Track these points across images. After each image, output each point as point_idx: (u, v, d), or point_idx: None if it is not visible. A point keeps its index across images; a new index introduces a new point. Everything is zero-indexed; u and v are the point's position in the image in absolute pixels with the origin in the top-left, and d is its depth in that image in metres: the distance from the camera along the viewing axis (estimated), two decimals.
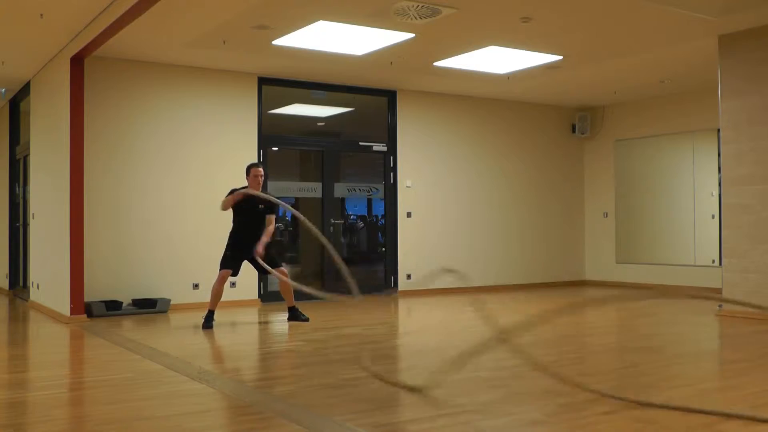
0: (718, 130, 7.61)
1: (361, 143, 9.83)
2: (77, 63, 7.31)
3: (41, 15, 6.35)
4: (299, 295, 7.09)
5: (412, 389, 4.05)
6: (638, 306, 8.19)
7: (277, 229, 6.92)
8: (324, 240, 6.33)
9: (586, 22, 6.79)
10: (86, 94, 7.49)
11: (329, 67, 8.36)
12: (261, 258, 6.60)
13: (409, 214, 9.84)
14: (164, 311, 7.87)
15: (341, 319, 7.36)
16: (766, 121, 7.02)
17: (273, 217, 6.84)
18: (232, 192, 6.74)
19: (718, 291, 7.58)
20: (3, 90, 9.70)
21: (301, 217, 6.21)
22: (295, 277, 8.16)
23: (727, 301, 7.37)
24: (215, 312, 6.74)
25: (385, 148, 9.79)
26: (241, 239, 6.74)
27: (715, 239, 9.21)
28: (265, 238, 6.69)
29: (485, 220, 10.46)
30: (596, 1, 6.20)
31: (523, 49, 7.70)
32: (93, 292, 7.64)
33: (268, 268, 6.60)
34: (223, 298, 6.89)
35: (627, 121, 10.80)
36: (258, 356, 5.74)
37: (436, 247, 9.99)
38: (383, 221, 10.10)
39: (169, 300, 7.97)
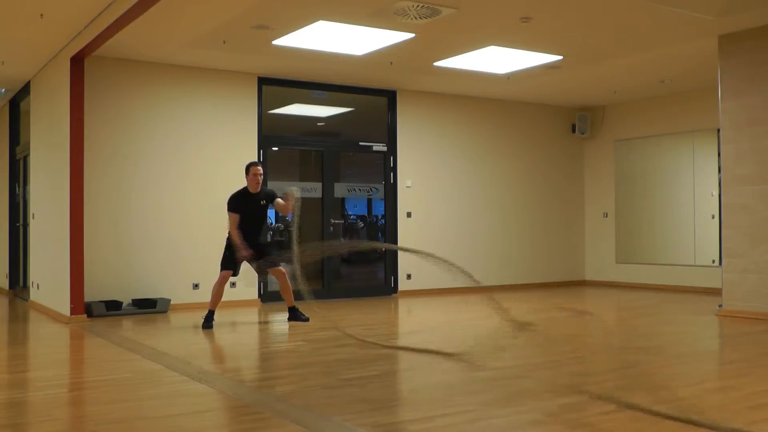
0: (718, 130, 7.61)
1: (361, 143, 9.83)
2: (77, 63, 7.31)
3: (41, 15, 6.35)
4: (299, 295, 7.06)
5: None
6: (638, 306, 8.18)
7: (276, 229, 6.91)
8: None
9: (586, 22, 6.79)
10: (86, 94, 7.49)
11: (329, 67, 8.35)
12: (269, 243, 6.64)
13: (409, 214, 9.84)
14: (164, 311, 7.86)
15: (341, 319, 7.36)
16: (766, 121, 7.02)
17: (279, 201, 6.84)
18: (231, 201, 6.74)
19: (718, 291, 7.57)
20: (3, 90, 9.70)
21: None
22: (294, 278, 8.12)
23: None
24: (215, 312, 6.75)
25: (385, 148, 9.79)
26: (242, 238, 6.73)
27: (715, 239, 9.21)
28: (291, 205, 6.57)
29: (485, 220, 10.46)
30: (596, 1, 6.20)
31: (523, 49, 7.70)
32: (93, 292, 7.64)
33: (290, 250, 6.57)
34: (223, 298, 6.90)
35: (627, 121, 10.79)
36: (258, 356, 5.75)
37: (436, 247, 9.93)
38: (383, 221, 10.10)
39: (169, 300, 7.97)
